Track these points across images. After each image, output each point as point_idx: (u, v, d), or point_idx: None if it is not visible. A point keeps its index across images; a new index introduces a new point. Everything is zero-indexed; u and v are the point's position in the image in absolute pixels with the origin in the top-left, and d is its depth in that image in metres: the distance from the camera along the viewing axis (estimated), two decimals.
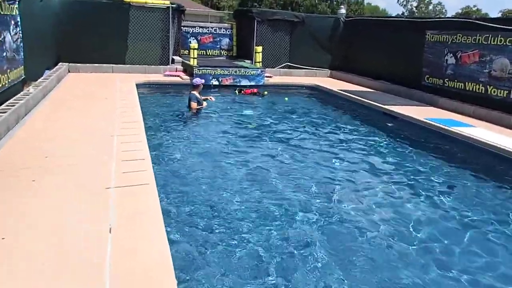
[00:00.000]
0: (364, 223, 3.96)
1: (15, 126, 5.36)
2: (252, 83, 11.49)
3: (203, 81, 8.68)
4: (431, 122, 7.55)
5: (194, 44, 12.27)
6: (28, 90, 6.86)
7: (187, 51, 13.17)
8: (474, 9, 51.78)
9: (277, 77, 12.94)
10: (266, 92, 11.01)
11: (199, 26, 14.44)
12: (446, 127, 7.19)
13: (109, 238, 2.73)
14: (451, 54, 9.30)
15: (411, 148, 6.67)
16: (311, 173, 5.29)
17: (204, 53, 14.18)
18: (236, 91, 10.54)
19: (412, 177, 5.33)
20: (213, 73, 11.09)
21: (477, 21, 8.84)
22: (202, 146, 6.17)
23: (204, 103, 8.35)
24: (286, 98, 10.61)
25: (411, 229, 3.89)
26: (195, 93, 8.19)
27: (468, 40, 8.83)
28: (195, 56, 11.67)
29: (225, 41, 14.68)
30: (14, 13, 6.79)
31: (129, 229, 2.89)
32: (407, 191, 4.87)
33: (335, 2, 46.03)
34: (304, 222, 3.89)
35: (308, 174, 5.21)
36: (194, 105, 8.05)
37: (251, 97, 10.50)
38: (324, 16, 13.67)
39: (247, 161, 5.56)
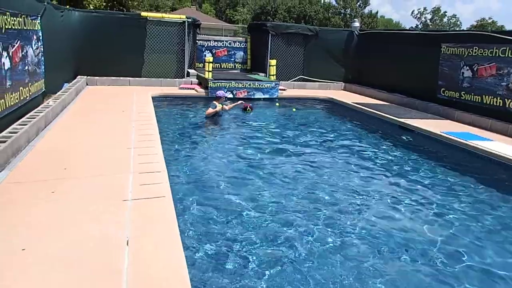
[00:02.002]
0: (382, 234, 3.91)
1: (35, 138, 5.49)
2: (266, 96, 11.57)
3: (226, 95, 9.29)
4: (447, 135, 7.46)
5: (209, 57, 12.43)
6: (48, 103, 7.03)
7: (202, 64, 13.35)
8: (489, 21, 51.34)
9: (291, 90, 12.99)
10: (278, 104, 11.17)
11: (214, 40, 14.63)
12: (463, 141, 7.09)
13: (126, 250, 2.76)
14: (467, 67, 9.22)
15: (427, 162, 6.59)
16: (325, 186, 5.26)
17: (219, 66, 14.33)
18: (247, 110, 9.71)
19: (427, 190, 5.26)
20: (227, 86, 11.19)
21: (493, 34, 8.78)
22: (218, 156, 6.21)
23: (217, 108, 8.57)
24: (294, 109, 10.69)
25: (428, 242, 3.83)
26: (216, 103, 8.67)
27: (485, 53, 8.75)
28: (210, 69, 11.81)
29: (240, 54, 14.83)
30: (36, 28, 7.01)
31: (145, 241, 2.91)
32: (423, 203, 4.80)
33: (348, 16, 46.31)
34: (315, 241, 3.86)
35: (323, 187, 5.19)
36: (209, 110, 8.55)
37: (264, 109, 10.56)
38: (337, 29, 13.70)
39: (263, 171, 5.57)
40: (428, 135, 7.84)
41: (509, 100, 8.20)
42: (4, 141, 4.52)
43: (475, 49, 9.01)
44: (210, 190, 4.87)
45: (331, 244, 3.73)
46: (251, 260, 3.39)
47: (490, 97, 8.65)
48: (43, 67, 7.44)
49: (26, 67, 6.37)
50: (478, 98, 8.94)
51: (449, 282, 3.27)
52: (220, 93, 9.07)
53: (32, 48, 6.78)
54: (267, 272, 3.23)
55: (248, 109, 9.53)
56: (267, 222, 4.09)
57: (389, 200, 4.90)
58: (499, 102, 8.43)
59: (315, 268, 3.32)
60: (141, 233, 3.02)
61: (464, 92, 9.34)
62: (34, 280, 2.41)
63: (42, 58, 7.42)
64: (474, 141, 7.04)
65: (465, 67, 9.29)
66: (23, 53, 6.20)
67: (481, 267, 3.54)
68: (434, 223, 4.37)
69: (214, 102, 8.71)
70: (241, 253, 3.48)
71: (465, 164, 6.56)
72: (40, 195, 3.61)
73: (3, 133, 4.89)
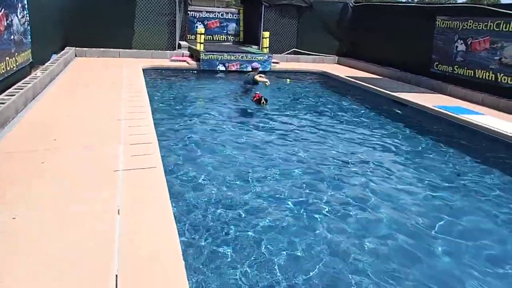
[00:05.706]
0: (371, 210, 3.97)
1: (23, 109, 5.40)
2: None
3: (259, 66, 9.83)
4: (440, 109, 7.48)
5: (201, 29, 12.19)
6: (36, 74, 6.88)
7: (194, 36, 13.10)
8: None
9: (284, 63, 12.84)
10: (289, 80, 10.76)
11: (206, 11, 14.33)
12: (455, 115, 7.12)
13: (117, 220, 2.76)
14: (461, 41, 9.16)
15: (419, 136, 6.63)
16: (315, 159, 5.29)
17: (211, 38, 14.09)
18: (262, 102, 7.79)
19: (419, 164, 5.32)
20: (219, 58, 11.04)
21: (489, 7, 8.68)
22: (209, 128, 6.19)
23: (263, 79, 8.78)
24: (288, 80, 10.53)
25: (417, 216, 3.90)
26: (254, 73, 8.97)
27: (479, 27, 8.67)
28: (202, 41, 11.59)
29: (232, 26, 14.57)
30: None
31: (137, 211, 2.91)
32: (415, 178, 4.86)
33: None
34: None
35: (313, 160, 5.22)
36: (260, 77, 8.65)
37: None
38: (332, 1, 13.52)
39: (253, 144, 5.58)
40: (421, 109, 7.85)
41: (501, 74, 8.19)
42: None
43: (470, 22, 8.91)
44: (203, 160, 4.86)
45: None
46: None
47: (482, 71, 8.63)
48: (29, 37, 7.22)
49: (12, 36, 6.18)
50: (471, 73, 8.92)
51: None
52: (255, 64, 9.50)
53: (18, 17, 6.56)
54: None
55: (263, 102, 7.78)
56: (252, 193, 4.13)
57: (382, 171, 4.96)
58: (492, 76, 8.42)
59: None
60: (132, 203, 3.01)
61: (457, 66, 9.30)
62: (17, 254, 2.41)
63: (28, 27, 7.19)
64: (465, 115, 7.07)
65: (459, 40, 9.22)
66: (8, 21, 6.00)
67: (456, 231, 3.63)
68: (422, 196, 4.44)
69: (252, 72, 9.00)
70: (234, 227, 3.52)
71: (456, 138, 6.61)
72: (30, 166, 3.57)
73: None
